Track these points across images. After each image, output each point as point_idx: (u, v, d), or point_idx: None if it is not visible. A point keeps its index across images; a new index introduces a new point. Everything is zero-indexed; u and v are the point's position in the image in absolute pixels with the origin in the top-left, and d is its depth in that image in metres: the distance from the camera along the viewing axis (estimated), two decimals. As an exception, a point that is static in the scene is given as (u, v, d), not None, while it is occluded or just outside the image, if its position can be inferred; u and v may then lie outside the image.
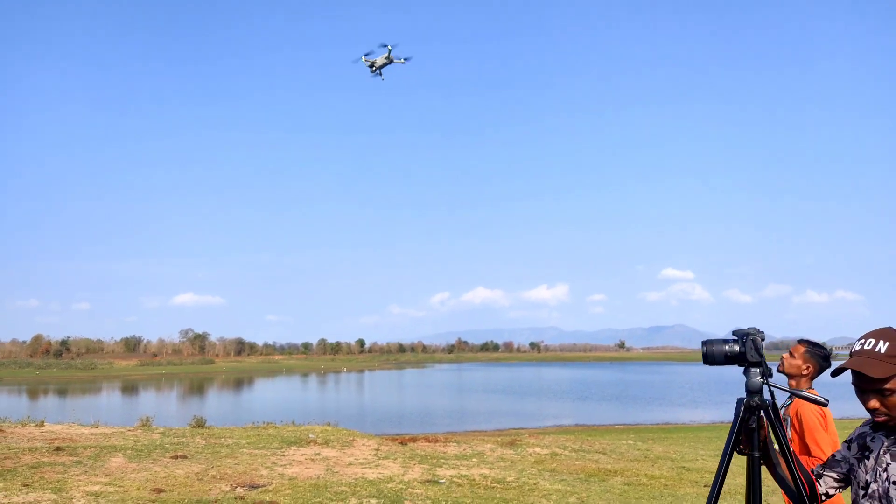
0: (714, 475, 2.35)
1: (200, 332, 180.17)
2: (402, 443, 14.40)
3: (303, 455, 11.71)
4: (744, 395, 2.33)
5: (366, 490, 8.90)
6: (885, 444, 2.14)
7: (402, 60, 27.18)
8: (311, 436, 13.89)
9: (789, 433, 3.77)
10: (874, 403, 2.07)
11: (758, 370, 2.29)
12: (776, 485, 2.40)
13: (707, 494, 2.40)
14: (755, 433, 2.29)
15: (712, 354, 2.35)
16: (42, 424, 15.00)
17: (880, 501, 2.09)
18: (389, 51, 26.72)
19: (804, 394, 2.58)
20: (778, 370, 3.80)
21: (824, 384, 4.01)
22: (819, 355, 3.82)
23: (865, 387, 2.07)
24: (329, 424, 17.48)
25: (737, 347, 2.31)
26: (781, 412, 3.84)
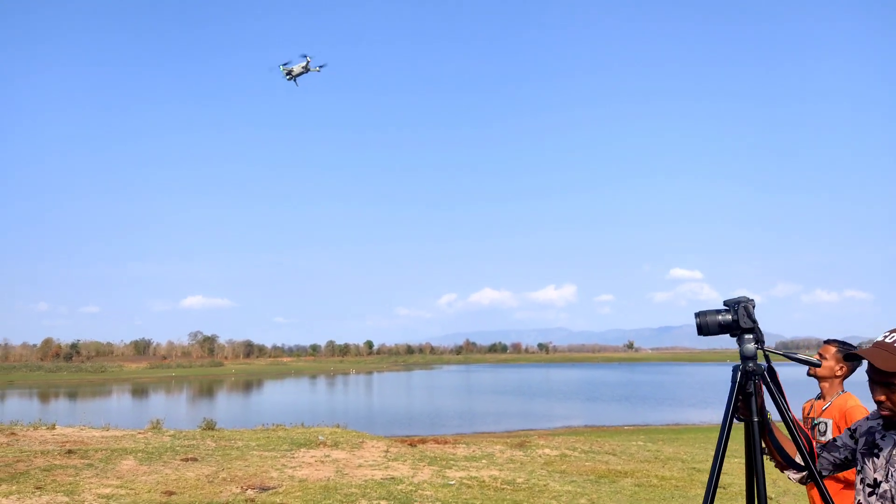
0: (715, 447, 2.37)
1: (209, 335, 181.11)
2: (411, 444, 14.40)
3: (312, 457, 11.73)
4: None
5: (375, 492, 8.91)
6: None
7: (318, 69, 28.76)
8: (320, 438, 13.92)
9: (830, 433, 3.72)
10: (880, 396, 2.10)
11: (751, 336, 2.33)
12: (788, 485, 2.41)
13: (727, 498, 2.39)
14: (752, 398, 2.31)
15: (706, 325, 2.38)
16: (53, 427, 15.09)
17: (892, 502, 2.08)
18: (308, 61, 28.14)
19: (797, 356, 2.56)
20: (809, 374, 3.74)
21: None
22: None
23: (876, 378, 2.09)
24: (338, 426, 17.51)
25: (729, 316, 2.35)
26: (822, 413, 3.80)
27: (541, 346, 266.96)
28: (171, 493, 8.38)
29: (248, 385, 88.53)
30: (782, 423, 2.41)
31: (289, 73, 28.11)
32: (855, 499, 2.25)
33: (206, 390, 78.07)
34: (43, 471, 9.60)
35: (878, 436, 2.22)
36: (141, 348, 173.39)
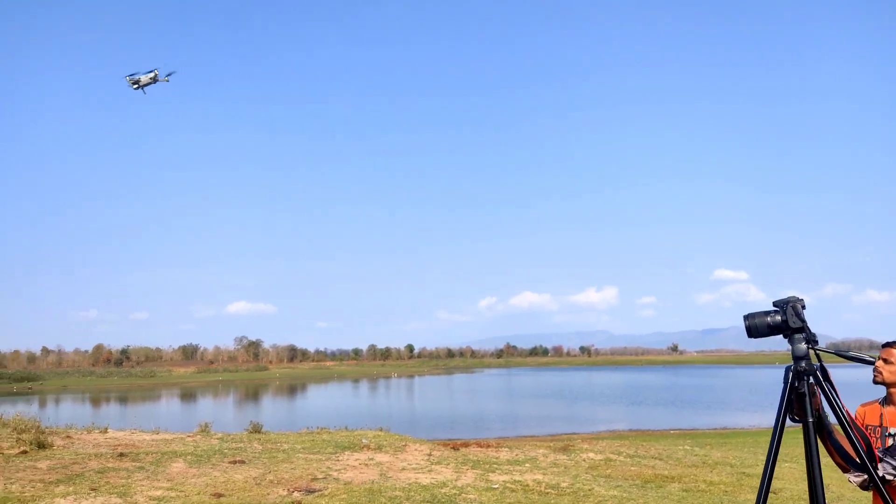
0: (768, 445, 2.34)
1: (254, 340, 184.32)
2: (454, 448, 14.42)
3: (356, 460, 11.83)
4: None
5: (419, 495, 8.94)
6: None
7: (166, 78, 29.78)
8: (364, 441, 14.04)
9: None
10: None
11: (801, 336, 2.34)
12: (842, 489, 2.37)
13: (778, 503, 2.35)
14: (806, 398, 2.31)
15: (755, 327, 2.40)
16: (106, 431, 15.54)
17: None
18: (156, 73, 29.47)
19: (851, 354, 2.54)
20: (875, 381, 3.63)
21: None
22: None
23: None
24: (381, 429, 17.62)
25: (779, 317, 2.37)
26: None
27: (582, 349, 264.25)
28: (219, 496, 8.55)
29: (293, 389, 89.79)
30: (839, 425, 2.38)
31: (136, 83, 29.14)
32: None
33: (252, 394, 79.46)
34: (97, 473, 9.89)
35: None
36: (188, 353, 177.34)
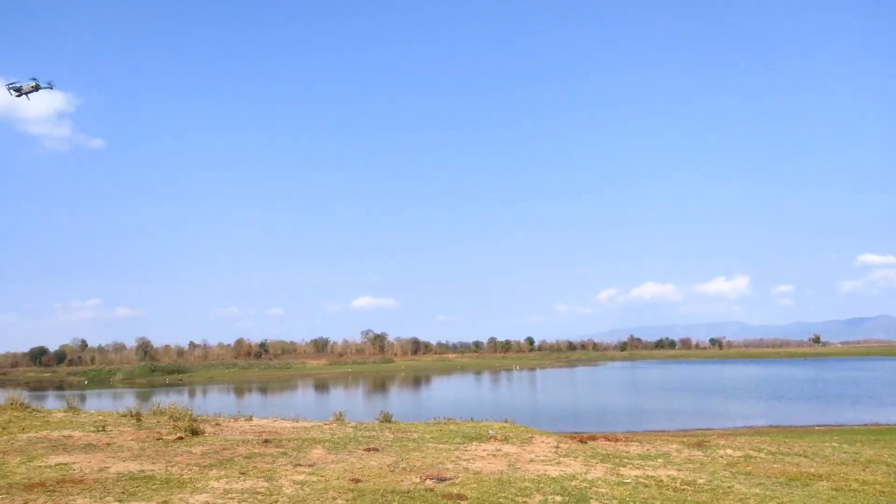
0: None
1: (379, 333, 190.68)
2: (581, 441, 14.24)
3: (484, 451, 11.97)
4: None
5: (549, 487, 8.92)
6: None
7: (50, 86, 31.92)
8: (490, 432, 14.17)
9: None
10: None
11: None
12: None
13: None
14: None
15: None
16: (251, 419, 16.63)
17: None
18: (37, 83, 31.45)
19: None
20: None
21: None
22: None
23: None
24: (506, 421, 17.70)
25: None
26: None
27: (713, 341, 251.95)
28: (357, 481, 8.93)
29: (417, 380, 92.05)
30: None
31: (18, 89, 31.15)
32: None
33: (380, 384, 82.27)
34: (245, 458, 10.62)
35: None
36: (320, 346, 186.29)
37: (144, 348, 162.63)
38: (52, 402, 26.62)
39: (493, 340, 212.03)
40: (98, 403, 32.99)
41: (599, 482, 9.40)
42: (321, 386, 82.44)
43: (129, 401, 41.22)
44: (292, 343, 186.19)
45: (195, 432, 13.33)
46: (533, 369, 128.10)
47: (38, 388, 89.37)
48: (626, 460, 11.49)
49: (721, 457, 12.35)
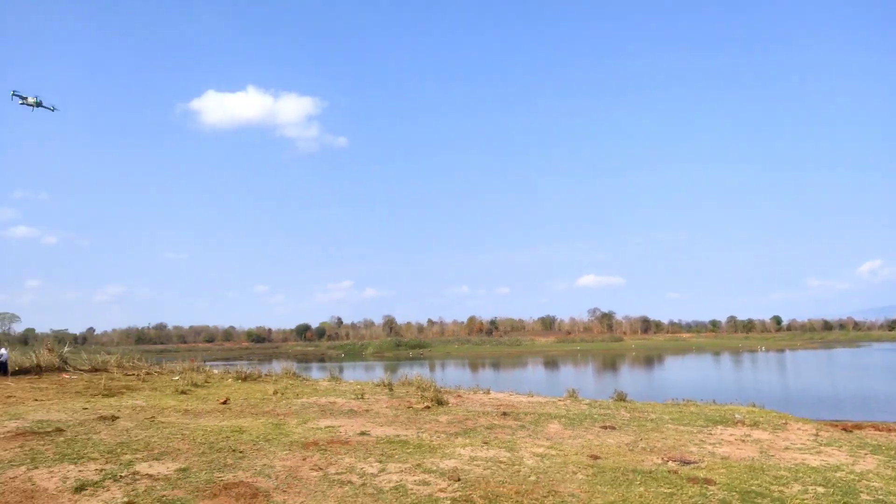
0: None
1: (606, 311, 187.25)
2: (844, 429, 12.79)
3: (731, 435, 11.29)
4: None
5: (809, 477, 8.17)
6: None
7: (52, 108, 33.14)
8: (736, 416, 13.30)
9: None
10: None
11: None
12: None
13: None
14: None
15: None
16: (489, 392, 17.42)
17: None
18: (40, 101, 32.23)
19: None
20: None
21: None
22: None
23: None
24: (754, 405, 16.46)
25: None
26: None
27: None
28: (596, 457, 8.96)
29: (649, 360, 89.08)
30: None
31: (22, 98, 32.25)
32: None
33: (609, 363, 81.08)
34: (486, 429, 11.17)
35: None
36: (547, 324, 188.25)
37: (390, 325, 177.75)
38: (316, 373, 30.29)
39: (732, 319, 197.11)
40: (353, 374, 36.83)
41: (870, 475, 8.40)
42: (551, 363, 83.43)
43: (378, 372, 45.39)
44: (521, 320, 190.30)
45: (440, 402, 14.32)
46: (781, 350, 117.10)
47: (303, 360, 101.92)
48: (903, 454, 10.10)
49: None
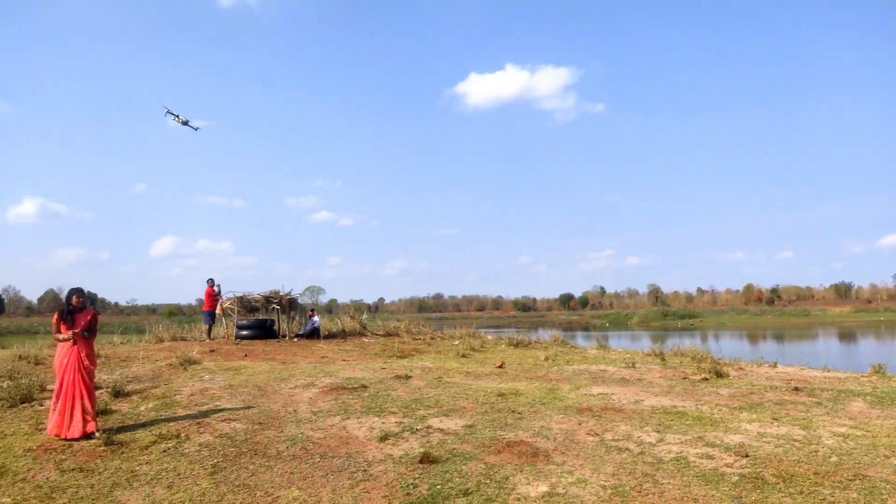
0: None
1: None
2: None
3: None
4: None
5: None
6: None
7: (195, 128, 34.41)
8: None
9: None
10: None
11: None
12: None
13: None
14: None
15: None
16: (775, 366, 16.02)
17: None
18: (186, 120, 33.26)
19: None
20: None
21: None
22: None
23: None
24: None
25: None
26: None
27: None
28: (915, 443, 7.79)
29: (984, 334, 74.10)
30: None
31: (175, 116, 32.86)
32: None
33: (925, 338, 69.13)
34: (775, 404, 10.32)
35: None
36: (841, 292, 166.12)
37: (655, 294, 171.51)
38: (581, 341, 30.54)
39: None
40: (619, 343, 36.46)
41: None
42: (847, 335, 73.59)
43: (645, 342, 44.24)
44: (808, 288, 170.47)
45: (719, 374, 13.56)
46: None
47: (567, 328, 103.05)
48: None
49: None
